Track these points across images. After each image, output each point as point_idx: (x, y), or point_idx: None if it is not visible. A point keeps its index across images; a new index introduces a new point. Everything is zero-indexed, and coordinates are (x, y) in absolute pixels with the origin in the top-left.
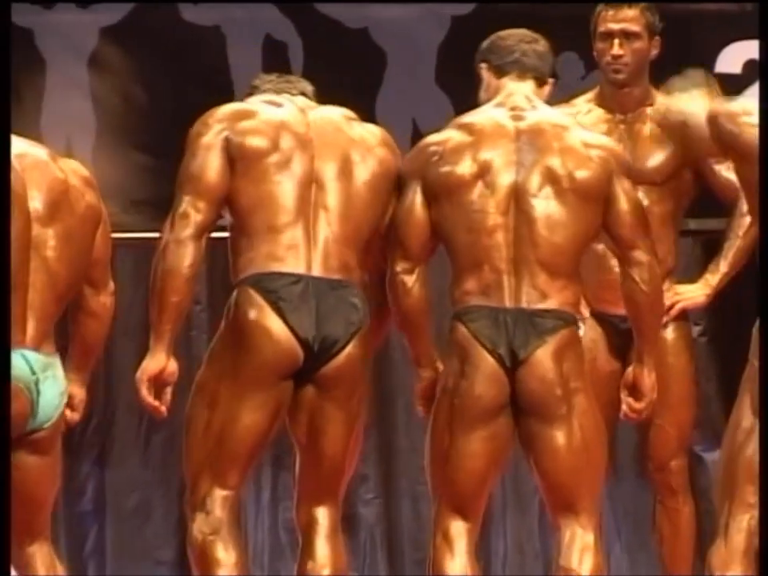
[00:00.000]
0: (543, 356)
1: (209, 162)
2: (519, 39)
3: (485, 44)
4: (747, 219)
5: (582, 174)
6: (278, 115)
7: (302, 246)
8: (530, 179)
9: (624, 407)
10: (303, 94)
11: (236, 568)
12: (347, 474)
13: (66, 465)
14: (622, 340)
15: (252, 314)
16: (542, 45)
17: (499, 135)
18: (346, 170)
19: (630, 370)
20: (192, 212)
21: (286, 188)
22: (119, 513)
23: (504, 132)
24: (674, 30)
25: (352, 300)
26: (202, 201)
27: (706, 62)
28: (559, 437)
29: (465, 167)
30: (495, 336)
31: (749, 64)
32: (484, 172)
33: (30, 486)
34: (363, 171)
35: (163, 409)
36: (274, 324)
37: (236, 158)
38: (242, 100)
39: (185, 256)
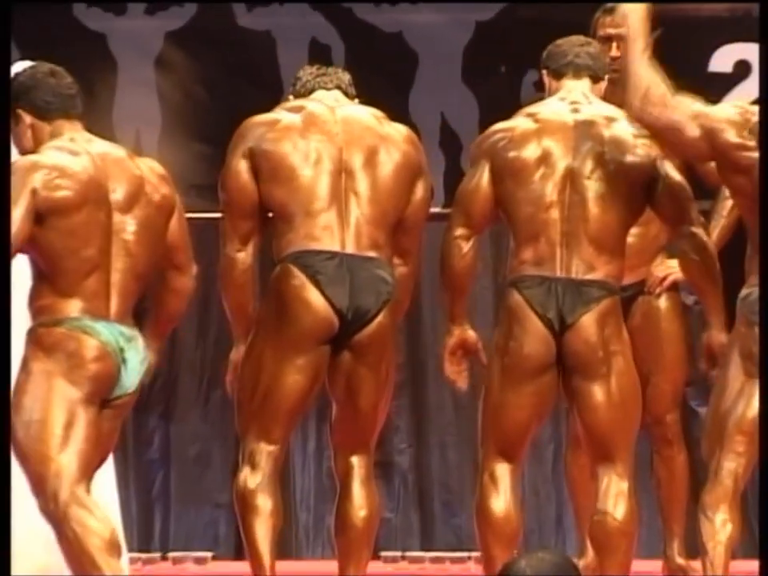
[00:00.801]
0: (588, 321)
1: (236, 181)
2: (572, 44)
3: (544, 53)
4: (730, 201)
5: (628, 160)
6: (299, 119)
7: (336, 227)
8: (585, 164)
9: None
10: (339, 87)
11: (272, 516)
12: (378, 427)
13: (135, 419)
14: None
15: (293, 287)
16: (593, 47)
17: (560, 125)
18: (372, 161)
19: (705, 338)
20: (231, 230)
21: (317, 178)
22: (182, 461)
23: (564, 123)
24: (672, 34)
25: (382, 274)
26: (237, 218)
27: (701, 63)
28: (599, 393)
29: (530, 152)
30: (546, 302)
31: (739, 64)
32: (546, 156)
33: (105, 442)
34: (388, 162)
35: None
36: (313, 295)
37: (262, 164)
38: (288, 91)
39: (235, 268)
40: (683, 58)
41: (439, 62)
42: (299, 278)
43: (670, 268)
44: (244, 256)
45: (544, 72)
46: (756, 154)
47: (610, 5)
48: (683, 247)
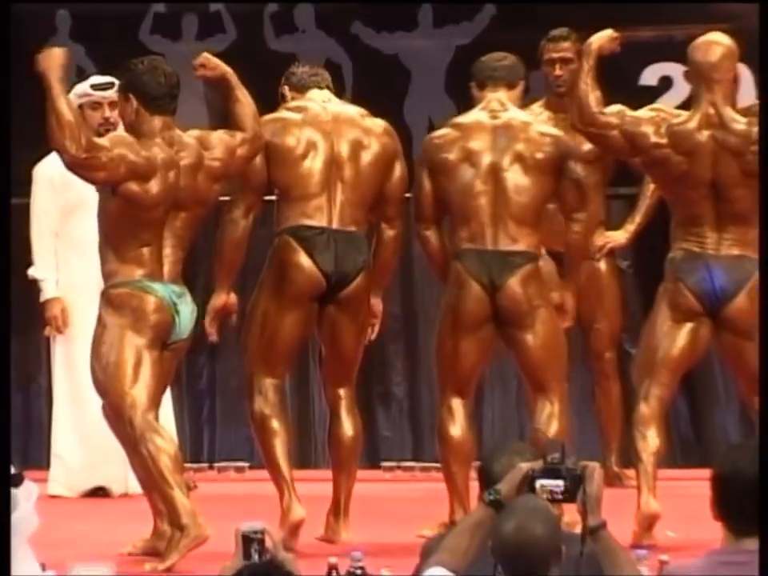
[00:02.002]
0: (513, 283)
1: (253, 163)
2: (492, 60)
3: (472, 68)
4: (653, 185)
5: (539, 156)
6: (300, 118)
7: (325, 208)
8: (503, 160)
9: None
10: (327, 86)
11: (285, 435)
12: (357, 364)
13: (188, 358)
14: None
15: (291, 255)
16: (508, 60)
17: (481, 130)
18: (356, 153)
19: (557, 294)
20: (239, 198)
21: (314, 169)
22: (225, 391)
23: (484, 127)
24: (610, 55)
25: (359, 246)
26: (248, 191)
27: (632, 78)
28: (528, 339)
29: (455, 154)
30: (480, 270)
31: (662, 79)
32: (470, 156)
33: (165, 378)
34: (369, 153)
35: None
36: (306, 262)
37: (271, 154)
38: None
39: (236, 231)
40: (618, 75)
41: (427, 78)
42: (295, 248)
43: (607, 238)
44: (243, 225)
45: (472, 84)
46: (666, 150)
47: (552, 34)
48: (573, 227)
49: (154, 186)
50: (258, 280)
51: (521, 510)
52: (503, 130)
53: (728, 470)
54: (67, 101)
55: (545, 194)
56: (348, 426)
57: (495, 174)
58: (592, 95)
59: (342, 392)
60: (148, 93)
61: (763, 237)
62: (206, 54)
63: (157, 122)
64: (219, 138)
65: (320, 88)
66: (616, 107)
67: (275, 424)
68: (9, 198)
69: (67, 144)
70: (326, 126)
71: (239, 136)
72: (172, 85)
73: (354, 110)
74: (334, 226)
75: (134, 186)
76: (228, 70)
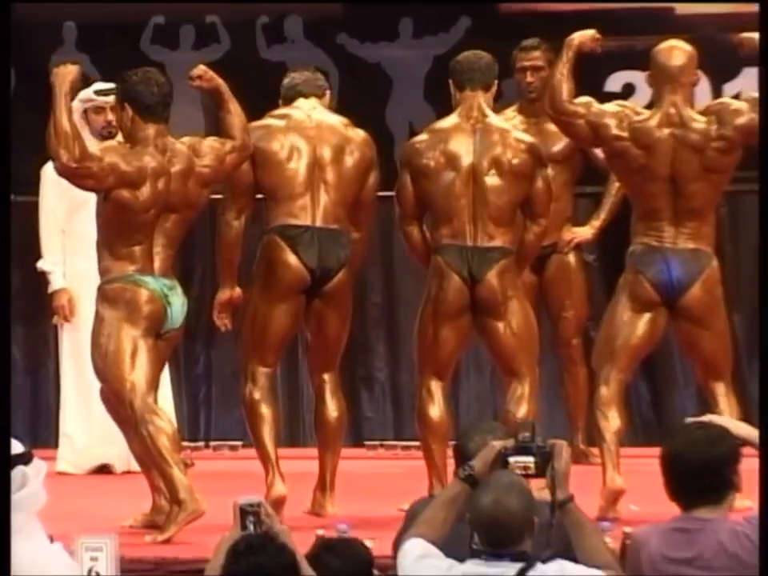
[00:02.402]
0: (491, 276)
1: (240, 168)
2: (466, 61)
3: (450, 65)
4: (617, 184)
5: (515, 161)
6: (284, 124)
7: (309, 208)
8: (482, 163)
9: None
10: (314, 93)
11: (273, 420)
12: (340, 351)
13: (186, 346)
14: (538, 262)
15: (278, 253)
16: (484, 60)
17: (460, 134)
18: (338, 158)
19: None
20: (231, 202)
21: (298, 171)
22: (220, 376)
23: (464, 131)
24: (578, 63)
25: (341, 242)
26: (238, 194)
27: (598, 84)
28: (501, 327)
29: (437, 157)
30: (461, 264)
31: (626, 86)
32: (451, 159)
33: (160, 365)
34: (350, 159)
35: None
36: (292, 259)
37: (257, 158)
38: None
39: (230, 232)
40: (585, 81)
41: (408, 85)
42: (282, 246)
43: (575, 233)
44: (237, 225)
45: (451, 82)
46: (626, 143)
47: (524, 44)
48: (533, 230)
49: (144, 192)
50: (249, 276)
51: (498, 484)
52: (481, 135)
53: (671, 453)
54: (68, 113)
55: (519, 197)
56: (333, 408)
57: (475, 176)
58: (565, 85)
59: (326, 377)
60: (142, 102)
61: (763, 234)
62: (202, 67)
63: (151, 129)
64: (210, 146)
65: (305, 97)
66: (585, 98)
67: (264, 409)
68: (8, 197)
69: (61, 152)
70: (309, 131)
71: (229, 144)
72: (164, 94)
73: (336, 119)
74: (318, 224)
75: (124, 193)
76: (222, 83)
